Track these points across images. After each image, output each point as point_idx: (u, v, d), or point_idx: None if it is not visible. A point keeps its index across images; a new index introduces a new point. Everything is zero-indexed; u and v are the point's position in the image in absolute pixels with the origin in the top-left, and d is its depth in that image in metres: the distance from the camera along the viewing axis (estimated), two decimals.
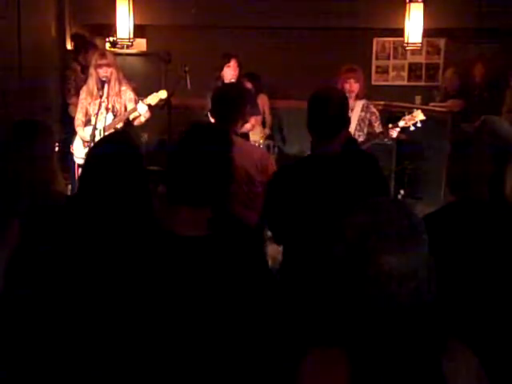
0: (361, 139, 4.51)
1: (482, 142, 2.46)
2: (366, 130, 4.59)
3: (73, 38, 6.80)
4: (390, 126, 4.49)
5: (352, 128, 4.57)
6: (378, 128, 4.61)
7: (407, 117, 4.42)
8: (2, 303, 1.68)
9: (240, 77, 5.53)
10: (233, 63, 5.36)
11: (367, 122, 4.62)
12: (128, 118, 4.90)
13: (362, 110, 4.63)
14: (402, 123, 4.42)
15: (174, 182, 1.69)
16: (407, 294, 1.23)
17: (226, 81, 5.29)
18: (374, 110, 4.70)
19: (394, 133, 4.45)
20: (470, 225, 2.21)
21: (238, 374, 1.60)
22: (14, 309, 1.67)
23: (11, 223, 1.54)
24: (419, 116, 4.38)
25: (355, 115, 4.61)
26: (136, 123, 4.93)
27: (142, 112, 4.81)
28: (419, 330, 1.24)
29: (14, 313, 1.66)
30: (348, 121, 2.71)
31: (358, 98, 4.63)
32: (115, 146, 2.14)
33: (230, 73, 5.32)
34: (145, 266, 1.62)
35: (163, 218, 1.70)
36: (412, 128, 4.45)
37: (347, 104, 2.74)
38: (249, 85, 6.58)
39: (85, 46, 6.37)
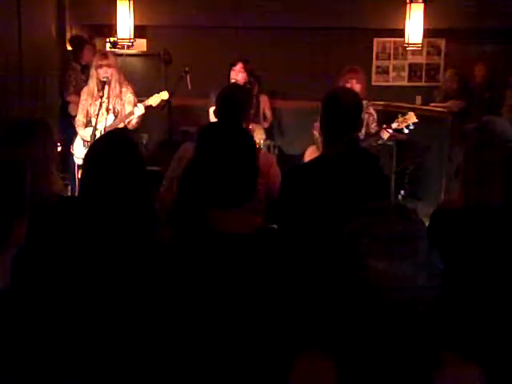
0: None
1: (494, 145, 2.44)
2: (363, 131, 4.58)
3: (70, 42, 6.84)
4: (384, 126, 4.50)
5: None
6: (373, 129, 4.62)
7: (400, 119, 4.43)
8: (9, 300, 1.68)
9: (246, 81, 5.61)
10: (238, 67, 5.45)
11: (364, 123, 4.61)
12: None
13: None
14: (394, 125, 4.44)
15: (210, 189, 1.69)
16: (399, 301, 1.21)
17: (231, 82, 5.35)
18: (372, 111, 4.70)
19: (385, 134, 4.44)
20: (480, 231, 2.18)
21: (234, 374, 1.60)
22: (21, 305, 1.67)
23: (18, 222, 1.55)
24: (412, 118, 4.39)
25: None
26: (129, 127, 4.92)
27: (136, 115, 4.80)
28: (410, 337, 1.23)
29: (20, 309, 1.66)
30: (362, 123, 2.74)
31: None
32: (114, 144, 2.13)
33: (233, 75, 5.42)
34: (202, 266, 1.62)
35: (212, 220, 1.69)
36: (406, 131, 4.46)
37: (362, 106, 2.78)
38: (255, 87, 6.62)
39: (80, 44, 6.40)
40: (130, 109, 4.84)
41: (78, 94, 5.79)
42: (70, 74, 6.29)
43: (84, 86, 5.21)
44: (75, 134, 5.09)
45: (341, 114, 2.64)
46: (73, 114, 6.03)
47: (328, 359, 1.23)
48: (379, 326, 1.23)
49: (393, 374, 1.21)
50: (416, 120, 4.40)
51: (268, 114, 7.02)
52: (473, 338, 1.92)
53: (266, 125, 6.99)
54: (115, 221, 1.93)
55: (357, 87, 4.58)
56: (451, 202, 2.46)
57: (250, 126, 4.35)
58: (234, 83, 5.08)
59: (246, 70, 5.56)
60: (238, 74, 5.47)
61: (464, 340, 1.66)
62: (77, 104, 5.80)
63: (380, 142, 4.54)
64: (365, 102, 4.66)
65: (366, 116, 4.62)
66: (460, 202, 2.32)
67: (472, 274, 2.11)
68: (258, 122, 6.02)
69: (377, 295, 1.21)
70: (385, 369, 1.21)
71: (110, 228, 1.91)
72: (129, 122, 4.88)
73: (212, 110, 4.64)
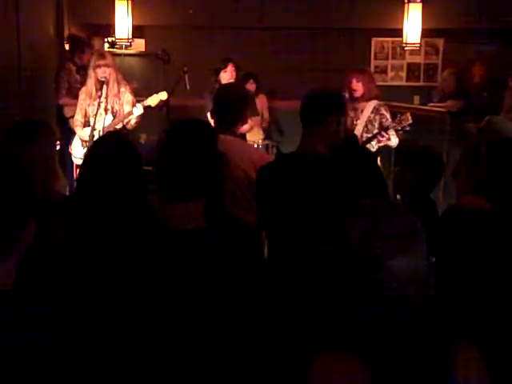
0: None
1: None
2: (375, 132, 4.56)
3: (68, 39, 6.79)
4: (383, 128, 4.50)
5: (359, 129, 4.57)
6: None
7: (396, 120, 4.45)
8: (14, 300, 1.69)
9: (237, 79, 5.55)
10: (229, 68, 5.39)
11: (377, 124, 4.59)
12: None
13: (371, 112, 4.61)
14: (391, 125, 4.45)
15: (162, 180, 1.70)
16: (414, 291, 1.24)
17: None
18: (385, 112, 4.63)
19: (384, 137, 4.46)
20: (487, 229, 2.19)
21: (237, 374, 1.60)
22: (26, 305, 1.67)
23: (29, 222, 1.55)
24: (407, 120, 4.40)
25: (364, 116, 4.60)
26: (128, 127, 4.92)
27: (135, 115, 4.81)
28: (427, 328, 1.25)
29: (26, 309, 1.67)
30: (324, 120, 2.67)
31: (364, 98, 4.61)
32: (114, 147, 2.15)
33: (226, 77, 5.36)
34: (142, 262, 1.63)
35: (159, 214, 1.70)
36: (401, 132, 4.48)
37: (331, 102, 2.69)
38: (252, 86, 6.59)
39: (80, 46, 6.37)
40: (128, 108, 4.84)
41: (72, 96, 5.80)
42: (61, 76, 6.22)
43: (78, 87, 5.20)
44: (72, 134, 5.09)
45: (304, 102, 2.67)
46: (67, 115, 6.01)
47: (350, 360, 1.24)
48: (390, 320, 1.24)
49: (413, 368, 1.22)
50: (410, 121, 4.41)
51: (266, 114, 7.03)
52: (475, 326, 1.94)
53: (265, 124, 6.99)
54: (113, 221, 1.94)
55: (357, 86, 4.58)
56: (463, 203, 2.46)
57: (249, 122, 4.35)
58: (229, 83, 5.06)
59: (237, 69, 5.52)
60: (232, 75, 5.41)
61: (467, 327, 1.68)
62: (70, 106, 5.80)
63: (382, 144, 4.53)
64: (376, 103, 4.65)
65: (377, 117, 4.60)
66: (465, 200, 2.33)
67: (480, 271, 2.12)
68: (257, 121, 5.99)
69: (395, 292, 1.22)
70: (405, 363, 1.23)
71: (109, 228, 1.92)
72: (127, 122, 4.88)
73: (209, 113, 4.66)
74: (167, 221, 1.68)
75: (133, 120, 4.85)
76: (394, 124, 4.42)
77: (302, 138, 2.67)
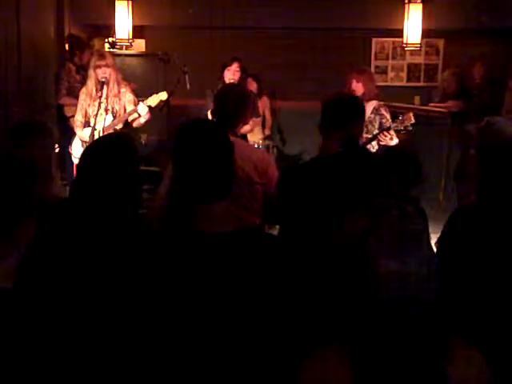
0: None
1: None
2: (375, 133, 4.55)
3: (67, 39, 6.79)
4: (384, 128, 4.49)
5: None
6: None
7: (398, 120, 4.42)
8: (12, 300, 1.69)
9: (241, 80, 5.56)
10: (234, 66, 5.40)
11: (377, 125, 4.58)
12: (127, 120, 4.89)
13: (372, 112, 4.60)
14: (393, 125, 4.42)
15: (187, 183, 1.69)
16: (405, 295, 1.23)
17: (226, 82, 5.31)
18: (385, 112, 4.62)
19: (387, 137, 4.44)
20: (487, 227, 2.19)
21: (240, 372, 1.60)
22: (22, 306, 1.67)
23: (27, 221, 1.55)
24: (409, 120, 4.37)
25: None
26: (135, 125, 4.93)
27: (142, 113, 4.81)
28: (420, 328, 1.25)
29: (21, 310, 1.66)
30: (354, 120, 2.71)
31: (364, 98, 4.60)
32: (110, 148, 2.13)
33: (229, 75, 5.36)
34: (178, 267, 1.62)
35: (189, 217, 1.69)
36: (403, 132, 4.45)
37: (359, 104, 2.75)
38: (254, 85, 6.59)
39: (80, 46, 6.37)
40: (130, 107, 4.84)
41: (72, 96, 5.80)
42: (62, 77, 6.24)
43: (77, 87, 5.20)
44: (73, 134, 5.09)
45: (328, 106, 2.70)
46: (68, 115, 6.02)
47: (341, 355, 1.24)
48: (387, 321, 1.24)
49: (406, 369, 1.22)
50: (413, 121, 4.39)
51: (268, 116, 7.01)
52: (476, 326, 1.93)
53: (267, 132, 6.96)
54: (102, 224, 1.93)
55: (357, 86, 4.57)
56: (465, 204, 2.46)
57: (250, 123, 4.35)
58: (231, 83, 5.06)
59: (241, 68, 5.53)
60: (235, 74, 5.42)
61: (467, 328, 1.68)
62: (70, 106, 5.81)
63: (382, 143, 4.52)
64: (376, 103, 4.64)
65: (377, 118, 4.59)
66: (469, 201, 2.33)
67: (488, 269, 2.12)
68: (258, 122, 6.00)
69: (383, 293, 1.22)
70: (398, 365, 1.22)
71: (99, 230, 1.91)
72: (133, 120, 4.87)
73: (209, 112, 4.66)
74: (199, 223, 1.67)
75: (142, 119, 4.85)
76: (396, 124, 4.40)
77: (325, 141, 2.69)
